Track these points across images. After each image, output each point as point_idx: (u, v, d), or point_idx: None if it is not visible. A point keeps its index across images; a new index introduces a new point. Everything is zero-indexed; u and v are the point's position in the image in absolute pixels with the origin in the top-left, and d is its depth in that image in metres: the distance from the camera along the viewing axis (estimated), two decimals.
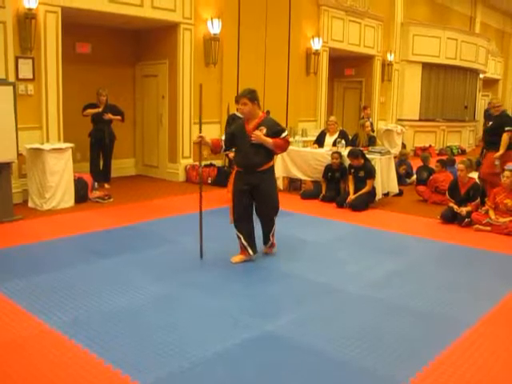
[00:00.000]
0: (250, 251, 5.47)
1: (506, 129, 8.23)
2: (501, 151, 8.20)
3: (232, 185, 5.68)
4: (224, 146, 5.51)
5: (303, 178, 9.48)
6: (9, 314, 4.05)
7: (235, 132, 5.48)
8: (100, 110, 9.23)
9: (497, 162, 8.17)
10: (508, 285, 4.94)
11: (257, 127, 5.28)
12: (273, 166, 5.51)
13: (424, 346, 3.67)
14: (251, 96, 5.27)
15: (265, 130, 5.25)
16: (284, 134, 5.32)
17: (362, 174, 8.22)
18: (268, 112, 10.50)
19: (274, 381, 3.17)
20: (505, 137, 8.21)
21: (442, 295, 4.66)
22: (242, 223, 5.47)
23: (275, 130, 5.31)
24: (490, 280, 5.11)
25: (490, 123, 8.95)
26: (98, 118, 9.28)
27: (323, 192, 8.83)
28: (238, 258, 5.49)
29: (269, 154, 5.36)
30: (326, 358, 3.46)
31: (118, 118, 9.51)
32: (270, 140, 5.24)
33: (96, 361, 3.33)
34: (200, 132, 5.43)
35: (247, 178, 5.36)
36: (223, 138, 5.56)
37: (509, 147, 8.23)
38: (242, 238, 5.46)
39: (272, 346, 3.61)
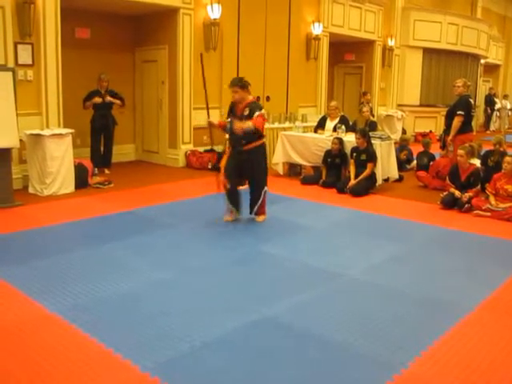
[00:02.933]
0: (236, 213, 6.37)
1: (458, 112, 8.18)
2: (451, 135, 8.22)
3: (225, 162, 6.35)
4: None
5: (303, 163, 9.46)
6: (9, 298, 4.06)
7: (230, 115, 6.30)
8: (99, 100, 9.29)
9: (450, 148, 8.17)
10: (507, 271, 4.95)
11: (244, 109, 6.07)
12: (261, 146, 6.26)
13: (423, 331, 3.69)
14: (241, 84, 6.07)
15: (247, 112, 6.03)
16: (257, 113, 6.01)
17: (363, 157, 8.18)
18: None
19: (274, 365, 3.19)
20: (455, 121, 8.19)
21: (442, 281, 4.68)
22: (231, 193, 6.30)
23: (254, 111, 6.03)
24: (490, 266, 5.12)
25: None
26: (101, 104, 9.33)
27: (323, 177, 8.82)
28: (227, 217, 6.39)
29: (254, 134, 6.06)
30: (324, 343, 3.48)
31: (118, 101, 9.55)
32: (249, 123, 5.95)
33: (96, 345, 3.35)
34: (208, 117, 6.52)
35: (237, 156, 6.17)
36: (229, 119, 6.31)
37: (461, 131, 8.20)
38: (229, 203, 6.33)
39: (271, 331, 3.63)
